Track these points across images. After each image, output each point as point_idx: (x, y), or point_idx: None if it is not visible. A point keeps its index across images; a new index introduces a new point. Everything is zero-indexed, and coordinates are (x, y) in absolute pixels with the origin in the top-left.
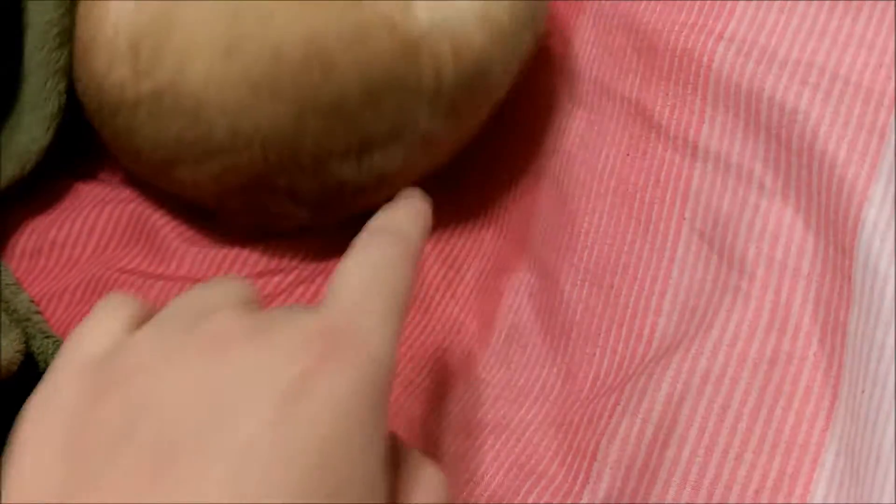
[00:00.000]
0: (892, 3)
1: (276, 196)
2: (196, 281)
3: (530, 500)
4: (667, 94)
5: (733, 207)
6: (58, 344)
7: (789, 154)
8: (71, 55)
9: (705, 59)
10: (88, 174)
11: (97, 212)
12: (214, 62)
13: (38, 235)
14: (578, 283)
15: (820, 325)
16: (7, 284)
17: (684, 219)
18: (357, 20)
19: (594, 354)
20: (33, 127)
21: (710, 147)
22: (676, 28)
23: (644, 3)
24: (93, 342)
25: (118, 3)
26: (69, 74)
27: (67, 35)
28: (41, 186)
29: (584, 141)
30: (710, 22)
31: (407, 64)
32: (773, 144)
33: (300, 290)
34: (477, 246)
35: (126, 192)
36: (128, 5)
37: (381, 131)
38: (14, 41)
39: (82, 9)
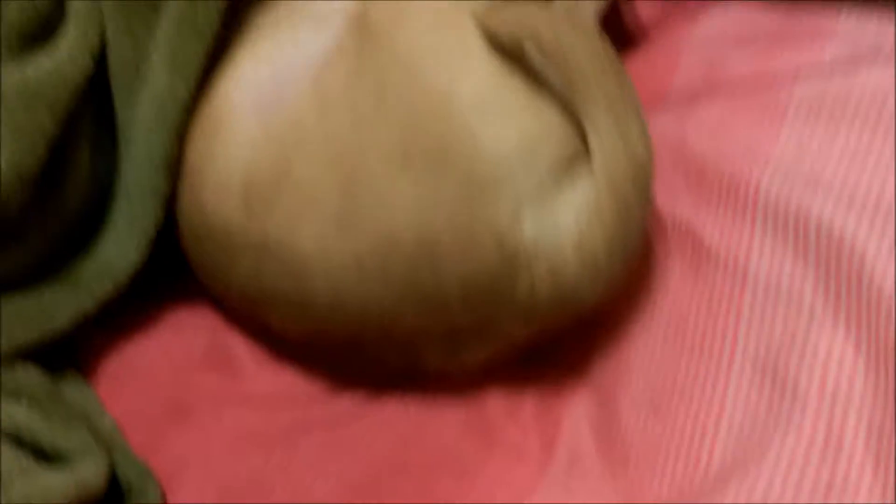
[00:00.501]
0: None
1: (362, 355)
2: (270, 400)
3: None
4: (717, 220)
5: (785, 335)
6: (139, 469)
7: (838, 281)
8: (174, 179)
9: (752, 186)
10: (170, 295)
11: (178, 336)
12: (326, 231)
13: (120, 358)
14: (635, 409)
15: (873, 452)
16: (92, 406)
17: (737, 345)
18: (469, 224)
19: (653, 481)
20: (128, 246)
21: (761, 272)
22: (724, 156)
23: (693, 130)
24: None
25: (234, 141)
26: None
27: (174, 161)
28: (125, 306)
29: (636, 265)
30: (756, 150)
31: (507, 276)
32: (822, 271)
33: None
34: (536, 373)
35: (207, 317)
36: (245, 145)
37: (472, 328)
38: (108, 156)
39: (196, 136)
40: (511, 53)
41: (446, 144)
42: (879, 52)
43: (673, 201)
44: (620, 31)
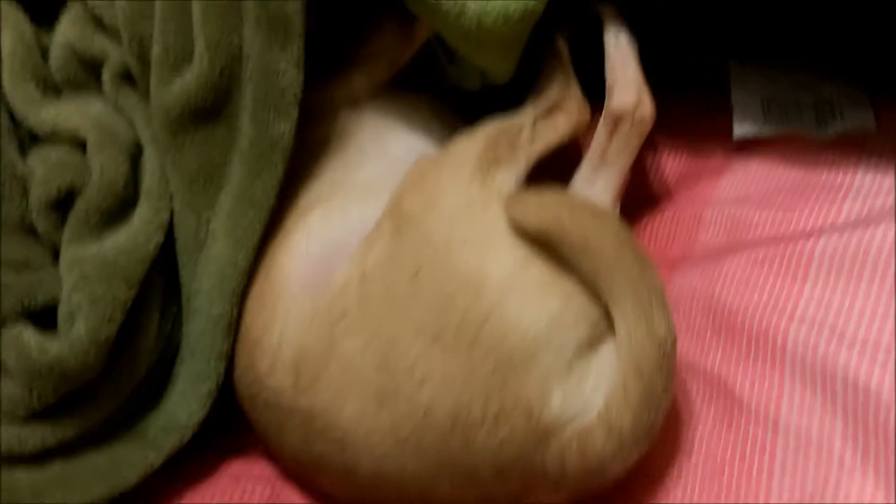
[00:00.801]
0: None
1: None
2: None
3: None
4: (747, 371)
5: (817, 484)
6: None
7: (867, 432)
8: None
9: (780, 338)
10: (231, 447)
11: (236, 486)
12: (367, 407)
13: None
14: None
15: None
16: None
17: (771, 494)
18: (500, 399)
19: None
20: (192, 402)
21: (791, 422)
22: (751, 309)
23: (720, 285)
24: None
25: (289, 314)
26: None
27: (234, 324)
28: (188, 455)
29: (672, 416)
30: (782, 303)
31: (536, 449)
32: (851, 421)
33: None
34: None
35: (266, 470)
36: (297, 319)
37: (505, 498)
38: (175, 319)
39: (254, 307)
40: (536, 240)
41: (477, 322)
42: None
43: (704, 353)
44: (647, 190)
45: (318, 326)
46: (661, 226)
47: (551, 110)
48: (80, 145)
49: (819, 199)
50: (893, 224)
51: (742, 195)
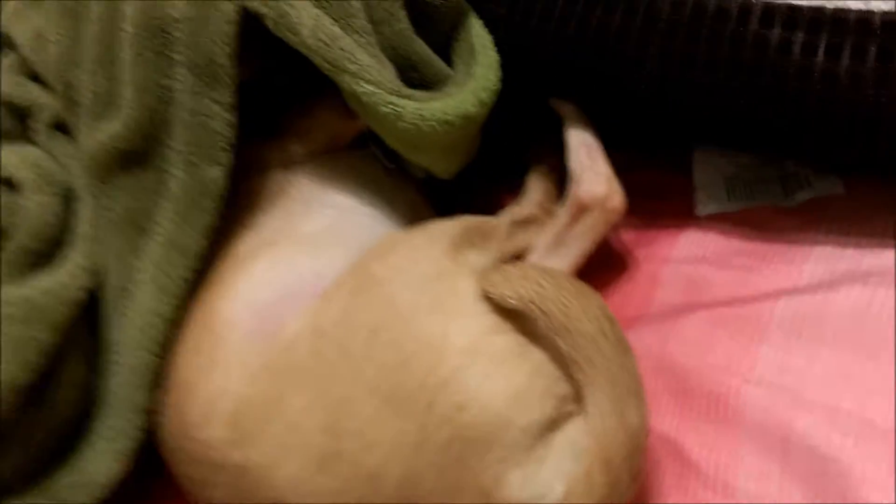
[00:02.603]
0: None
1: None
2: None
3: None
4: (701, 435)
5: None
6: None
7: (825, 500)
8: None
9: (736, 402)
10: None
11: None
12: (307, 469)
13: None
14: None
15: None
16: None
17: None
18: (454, 474)
19: None
20: (108, 459)
21: (749, 489)
22: (706, 370)
23: (675, 345)
24: None
25: (231, 362)
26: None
27: (156, 377)
28: None
29: None
30: (737, 365)
31: None
32: (811, 492)
33: None
34: None
35: None
36: (240, 368)
37: None
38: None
39: (190, 351)
40: (509, 313)
41: (434, 388)
42: (857, 272)
43: (658, 416)
44: (603, 247)
45: (264, 379)
46: (616, 284)
47: (527, 221)
48: (14, 187)
49: (780, 261)
50: (854, 289)
51: (700, 255)
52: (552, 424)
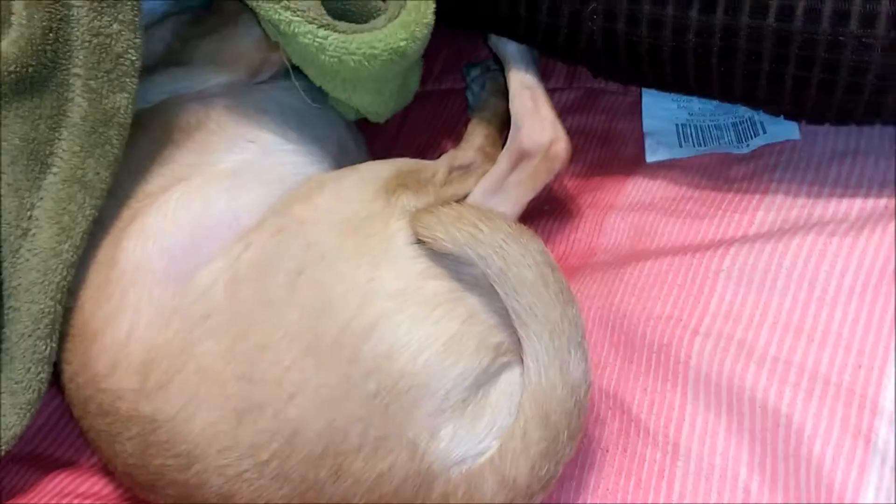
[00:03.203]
0: (867, 302)
1: None
2: None
3: None
4: (646, 389)
5: None
6: None
7: (775, 459)
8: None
9: (683, 353)
10: (54, 459)
11: None
12: (223, 420)
13: None
14: None
15: None
16: None
17: None
18: (381, 427)
19: None
20: (9, 413)
21: (693, 446)
22: (653, 321)
23: (620, 293)
24: None
25: (136, 307)
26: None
27: (58, 325)
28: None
29: None
30: (686, 316)
31: (419, 492)
32: (759, 448)
33: None
34: None
35: (89, 485)
36: (148, 314)
37: None
38: None
39: (94, 296)
40: (441, 256)
41: (360, 335)
42: (809, 220)
43: (600, 369)
44: (545, 194)
45: (177, 324)
46: (559, 232)
47: (467, 167)
48: None
49: (730, 209)
50: (808, 237)
51: (647, 202)
52: (488, 376)
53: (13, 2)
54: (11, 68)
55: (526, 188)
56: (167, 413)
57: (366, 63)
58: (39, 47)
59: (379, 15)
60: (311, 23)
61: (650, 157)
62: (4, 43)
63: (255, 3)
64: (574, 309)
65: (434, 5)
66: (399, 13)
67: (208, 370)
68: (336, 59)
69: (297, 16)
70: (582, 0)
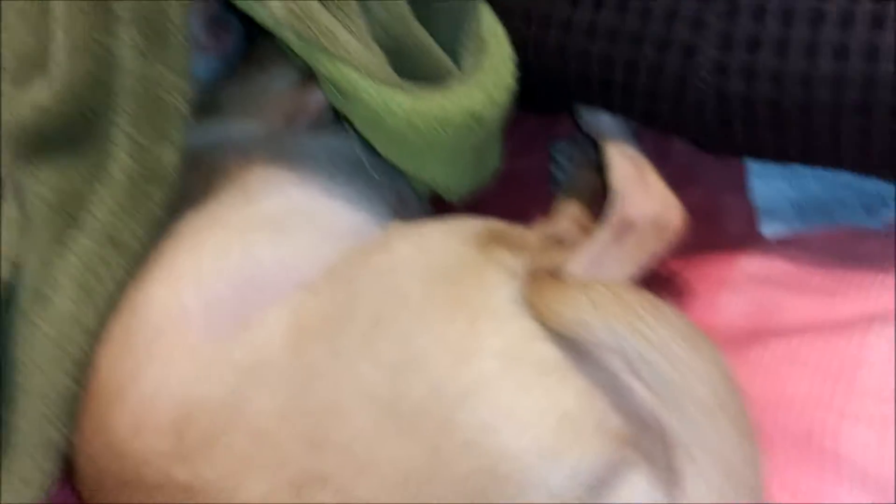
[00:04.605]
0: None
1: None
2: None
3: None
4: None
5: None
6: None
7: None
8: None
9: (828, 441)
10: None
11: None
12: (274, 492)
13: None
14: None
15: None
16: None
17: None
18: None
19: None
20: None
21: None
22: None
23: (746, 374)
24: None
25: (167, 360)
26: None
27: (74, 409)
28: None
29: None
30: (828, 396)
31: None
32: None
33: None
34: None
35: None
36: (182, 366)
37: None
38: None
39: (112, 350)
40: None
41: (452, 400)
42: None
43: None
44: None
45: (220, 377)
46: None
47: (560, 237)
48: None
49: (864, 284)
50: None
51: (766, 277)
52: (607, 472)
53: (51, 45)
54: (48, 118)
55: (632, 261)
56: (207, 479)
57: (437, 127)
58: (81, 97)
59: (452, 77)
60: (377, 82)
61: (767, 231)
62: (43, 92)
63: (313, 58)
64: (754, 445)
65: (514, 68)
66: (475, 73)
67: (260, 430)
68: (405, 123)
69: (362, 74)
70: (689, 54)
